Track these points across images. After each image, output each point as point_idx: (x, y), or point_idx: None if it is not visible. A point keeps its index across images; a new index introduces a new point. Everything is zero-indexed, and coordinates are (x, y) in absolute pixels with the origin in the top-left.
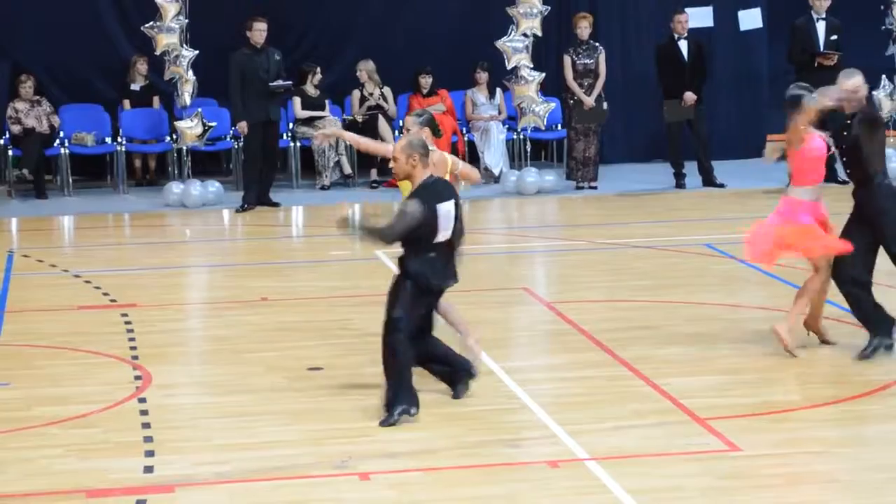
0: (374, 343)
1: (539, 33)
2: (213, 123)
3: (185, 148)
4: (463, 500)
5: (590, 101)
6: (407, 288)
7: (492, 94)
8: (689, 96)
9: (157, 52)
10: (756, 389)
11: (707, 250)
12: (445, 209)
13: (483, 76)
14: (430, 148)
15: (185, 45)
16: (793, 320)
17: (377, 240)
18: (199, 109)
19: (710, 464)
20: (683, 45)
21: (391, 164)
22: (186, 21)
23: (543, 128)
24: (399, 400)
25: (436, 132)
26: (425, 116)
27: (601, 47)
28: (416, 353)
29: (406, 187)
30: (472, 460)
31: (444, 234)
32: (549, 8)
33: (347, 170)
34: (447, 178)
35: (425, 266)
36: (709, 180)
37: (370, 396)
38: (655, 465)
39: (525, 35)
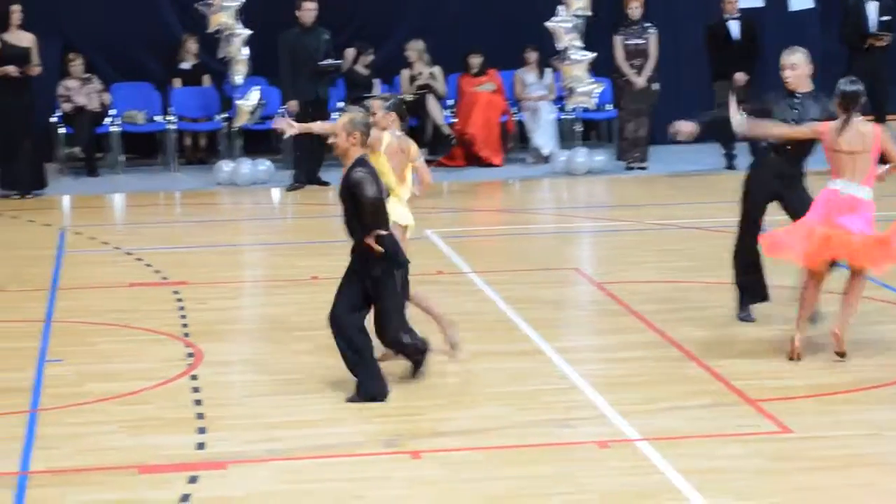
0: (425, 323)
1: (589, 13)
2: (264, 101)
3: (235, 126)
4: (513, 479)
5: (640, 81)
6: (393, 278)
7: (542, 74)
8: (740, 76)
9: (210, 31)
10: (807, 371)
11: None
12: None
13: (533, 56)
14: (397, 133)
15: (239, 24)
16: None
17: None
18: (259, 86)
19: (761, 445)
20: (733, 26)
21: (330, 140)
22: (242, 0)
23: (593, 108)
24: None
25: (403, 118)
26: (392, 101)
27: (652, 27)
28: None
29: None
30: (522, 440)
31: None
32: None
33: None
34: (408, 165)
35: (392, 250)
36: None
37: (420, 376)
38: (706, 446)
39: (575, 15)
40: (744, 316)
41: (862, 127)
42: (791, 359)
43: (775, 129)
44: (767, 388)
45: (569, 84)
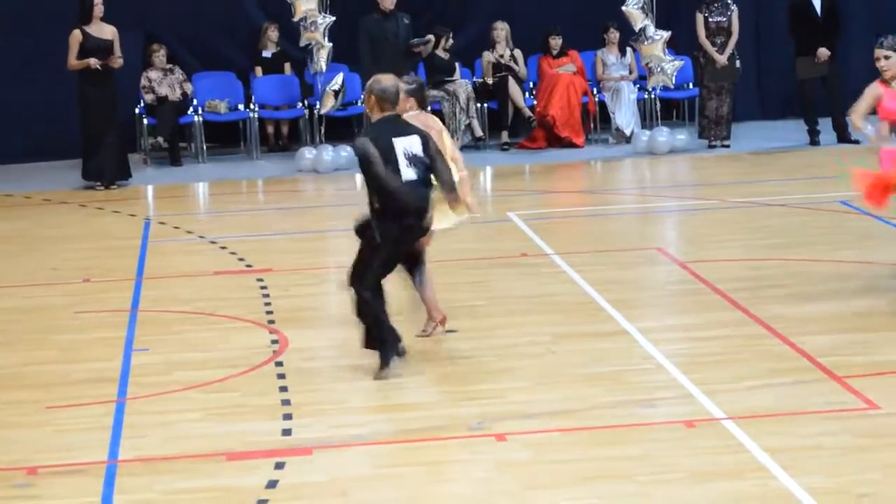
0: (510, 305)
1: None
2: (345, 87)
3: (317, 113)
4: (599, 460)
5: (722, 59)
6: (370, 239)
7: (623, 54)
8: (823, 52)
9: (296, 19)
10: (894, 346)
11: (842, 207)
12: (403, 144)
13: (614, 36)
14: (414, 113)
15: (323, 12)
16: None
17: (391, 197)
18: (342, 73)
19: (849, 422)
20: (816, 1)
21: None
22: None
23: (672, 86)
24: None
25: (422, 102)
26: (413, 86)
27: (734, 4)
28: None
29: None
30: (608, 420)
31: (408, 172)
32: None
33: (479, 132)
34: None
35: (396, 210)
36: (843, 137)
37: (504, 358)
38: (792, 423)
39: None
40: None
41: None
42: None
43: None
44: (854, 365)
45: (648, 63)
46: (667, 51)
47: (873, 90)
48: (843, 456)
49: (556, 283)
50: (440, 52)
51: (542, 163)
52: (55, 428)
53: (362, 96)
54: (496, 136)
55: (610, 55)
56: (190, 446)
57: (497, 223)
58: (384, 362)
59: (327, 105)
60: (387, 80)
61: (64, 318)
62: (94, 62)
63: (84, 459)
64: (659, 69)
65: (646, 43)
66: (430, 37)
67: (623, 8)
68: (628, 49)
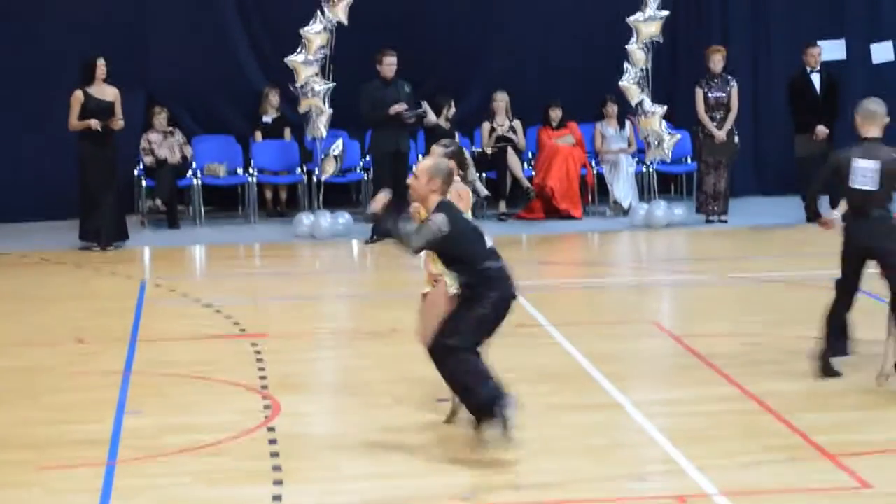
0: (504, 375)
1: (649, 66)
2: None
3: (315, 179)
4: None
5: (721, 135)
6: (475, 310)
7: (621, 127)
8: (822, 130)
9: (298, 85)
10: (888, 426)
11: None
12: (473, 222)
13: (612, 109)
14: (455, 179)
15: (324, 78)
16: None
17: (401, 246)
18: (342, 139)
19: (841, 501)
20: (816, 79)
21: (410, 180)
22: (329, 54)
23: (669, 161)
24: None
25: (462, 166)
26: (454, 149)
27: (734, 80)
28: None
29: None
30: (599, 494)
31: (490, 244)
32: (661, 41)
33: (483, 192)
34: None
35: (494, 278)
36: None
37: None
38: (785, 501)
39: (642, 70)
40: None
41: None
42: None
43: None
44: (848, 443)
45: (646, 137)
46: (665, 125)
47: None
48: None
49: (550, 354)
50: (441, 121)
51: (539, 234)
52: (46, 489)
53: (420, 176)
54: (494, 206)
55: (609, 128)
56: None
57: None
58: (492, 417)
59: (327, 171)
60: (443, 159)
61: (58, 378)
62: (94, 124)
63: None
64: (657, 143)
65: (644, 117)
66: (424, 109)
67: (620, 83)
68: (627, 122)
